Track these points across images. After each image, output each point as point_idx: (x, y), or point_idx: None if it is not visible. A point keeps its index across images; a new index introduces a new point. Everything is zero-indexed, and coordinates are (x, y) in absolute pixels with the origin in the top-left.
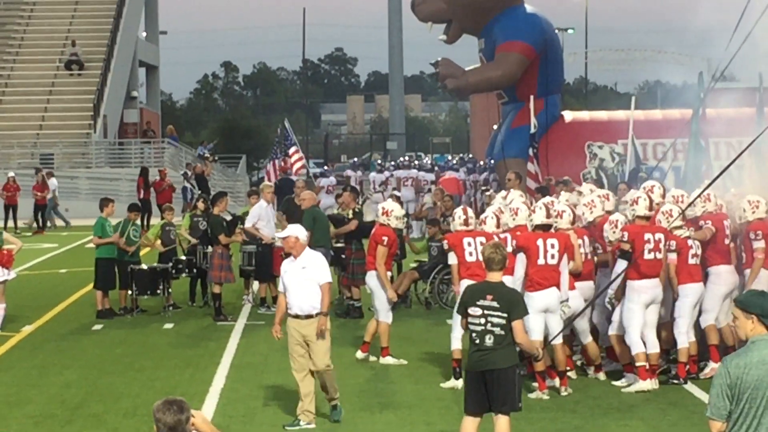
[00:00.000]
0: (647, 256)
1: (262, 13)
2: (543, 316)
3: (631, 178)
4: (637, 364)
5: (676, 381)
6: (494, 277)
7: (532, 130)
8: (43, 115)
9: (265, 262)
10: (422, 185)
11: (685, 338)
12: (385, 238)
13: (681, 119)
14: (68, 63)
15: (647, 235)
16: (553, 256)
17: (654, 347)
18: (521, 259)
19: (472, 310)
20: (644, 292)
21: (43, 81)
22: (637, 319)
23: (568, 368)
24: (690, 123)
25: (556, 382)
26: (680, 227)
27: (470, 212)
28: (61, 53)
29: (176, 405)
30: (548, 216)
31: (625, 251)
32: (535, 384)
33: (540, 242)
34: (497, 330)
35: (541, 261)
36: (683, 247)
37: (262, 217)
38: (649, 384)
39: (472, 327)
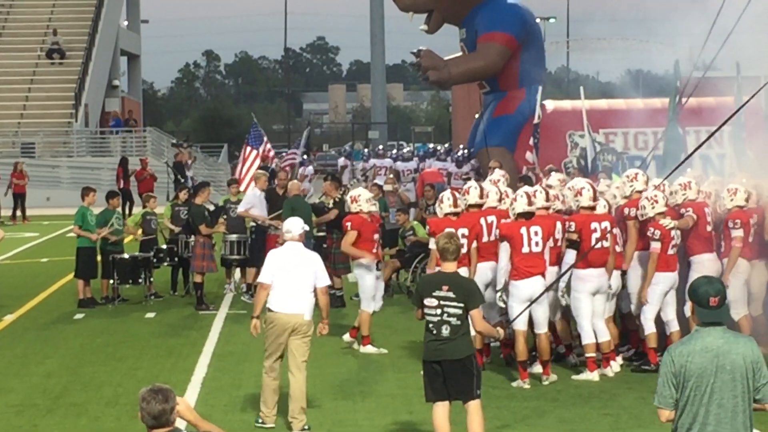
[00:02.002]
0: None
1: (244, 2)
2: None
3: (592, 167)
4: (587, 354)
5: (647, 367)
6: (449, 267)
7: (536, 121)
8: (24, 104)
9: (257, 248)
10: (406, 174)
11: (651, 324)
12: (348, 224)
13: (662, 108)
14: (49, 52)
15: (594, 224)
16: (537, 244)
17: (604, 335)
18: (505, 249)
19: (428, 301)
20: (589, 280)
21: (25, 70)
22: (585, 309)
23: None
24: (669, 108)
25: (538, 368)
26: (663, 215)
27: (459, 195)
28: (42, 42)
29: (161, 394)
30: (530, 204)
31: (573, 241)
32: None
33: (523, 230)
34: (453, 320)
35: (525, 249)
36: (666, 236)
37: (255, 204)
38: (596, 375)
39: (428, 318)
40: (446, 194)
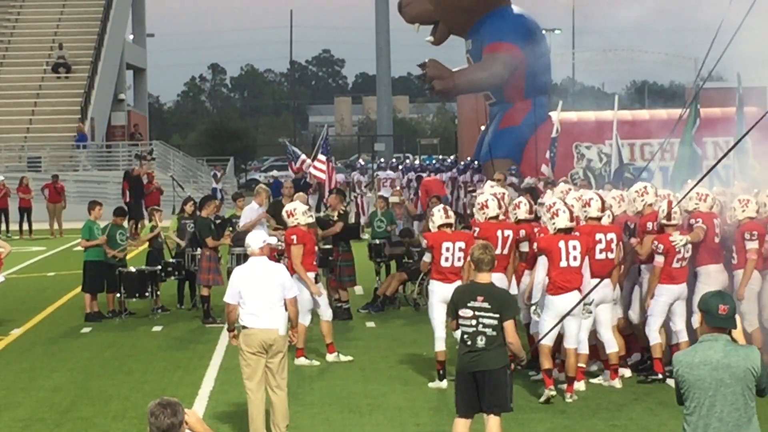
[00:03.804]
0: (598, 256)
1: (250, 15)
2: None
3: (616, 177)
4: (578, 364)
5: (654, 377)
6: (484, 278)
7: (554, 135)
8: (30, 118)
9: None
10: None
11: (656, 334)
12: (294, 237)
13: (668, 119)
14: (55, 66)
15: (599, 235)
16: (575, 258)
17: (611, 346)
18: (542, 262)
19: (462, 312)
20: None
21: (31, 84)
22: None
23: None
24: (685, 125)
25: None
26: (674, 226)
27: (449, 210)
28: (48, 56)
29: (170, 408)
30: (571, 219)
31: None
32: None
33: (562, 244)
34: (489, 331)
35: (563, 263)
36: (669, 250)
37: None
38: (582, 384)
39: (463, 328)
40: (437, 208)
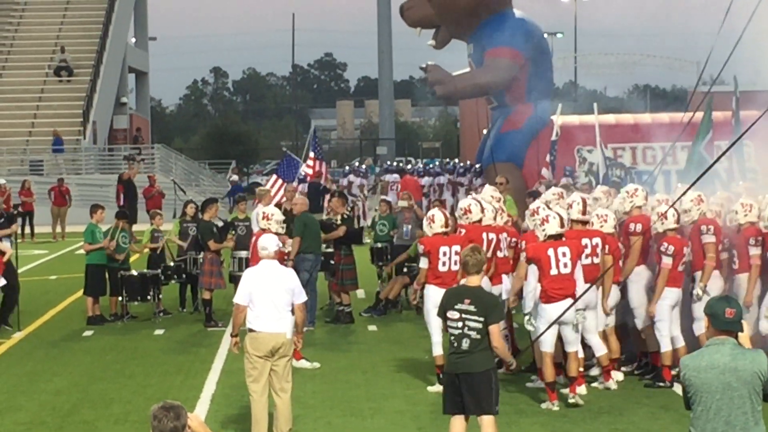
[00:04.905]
0: (584, 261)
1: (252, 19)
2: (556, 328)
3: (605, 182)
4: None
5: (662, 384)
6: (472, 281)
7: (554, 138)
8: (32, 122)
9: None
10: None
11: (667, 341)
12: None
13: (670, 123)
14: (57, 69)
15: (585, 240)
16: (565, 265)
17: (600, 349)
18: (533, 271)
19: (450, 314)
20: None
21: (33, 87)
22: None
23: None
24: (697, 133)
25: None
26: (677, 229)
27: (450, 220)
28: (50, 59)
29: (173, 412)
30: (562, 225)
31: None
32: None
33: (551, 252)
34: (473, 334)
35: (554, 271)
36: (678, 253)
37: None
38: (585, 389)
39: (450, 330)
40: (438, 215)
